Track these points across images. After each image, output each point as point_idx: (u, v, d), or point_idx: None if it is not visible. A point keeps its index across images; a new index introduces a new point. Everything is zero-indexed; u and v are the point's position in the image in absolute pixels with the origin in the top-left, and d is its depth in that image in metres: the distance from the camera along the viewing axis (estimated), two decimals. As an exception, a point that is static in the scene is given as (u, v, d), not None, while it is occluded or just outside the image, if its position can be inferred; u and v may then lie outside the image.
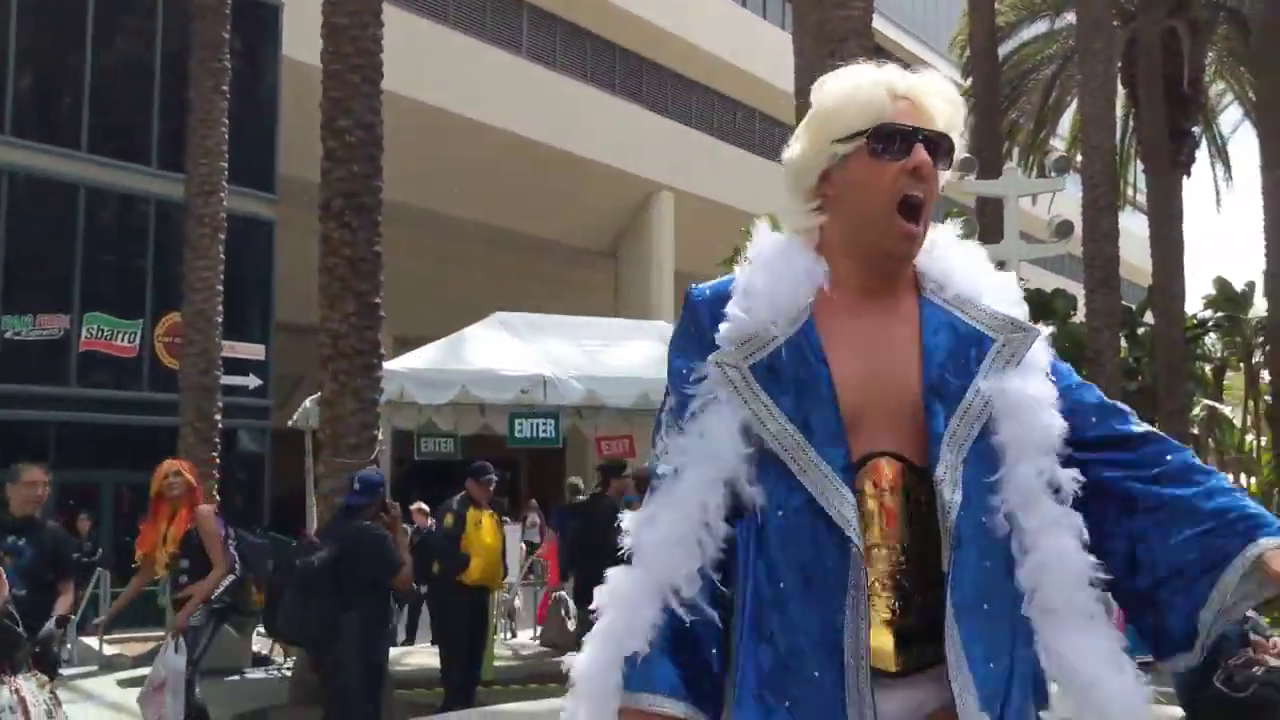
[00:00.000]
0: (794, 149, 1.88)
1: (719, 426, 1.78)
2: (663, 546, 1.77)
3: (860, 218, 1.82)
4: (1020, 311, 1.86)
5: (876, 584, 1.74)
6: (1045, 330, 1.88)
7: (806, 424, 1.74)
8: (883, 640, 1.73)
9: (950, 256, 1.90)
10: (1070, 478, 1.80)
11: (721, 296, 1.86)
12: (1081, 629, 1.75)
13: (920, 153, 1.77)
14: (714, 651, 1.77)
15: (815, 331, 1.80)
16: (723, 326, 1.81)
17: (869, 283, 1.85)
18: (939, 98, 1.82)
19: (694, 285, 1.93)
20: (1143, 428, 1.89)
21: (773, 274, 1.84)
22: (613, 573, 1.82)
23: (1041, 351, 1.86)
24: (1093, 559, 1.77)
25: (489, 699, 8.97)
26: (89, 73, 17.74)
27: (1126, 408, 1.92)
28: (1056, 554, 1.76)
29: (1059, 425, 1.81)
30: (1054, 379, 1.87)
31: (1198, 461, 1.88)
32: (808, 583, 1.71)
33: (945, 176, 1.86)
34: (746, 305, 1.81)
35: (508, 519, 12.51)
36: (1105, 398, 1.92)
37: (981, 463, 1.76)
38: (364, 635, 6.57)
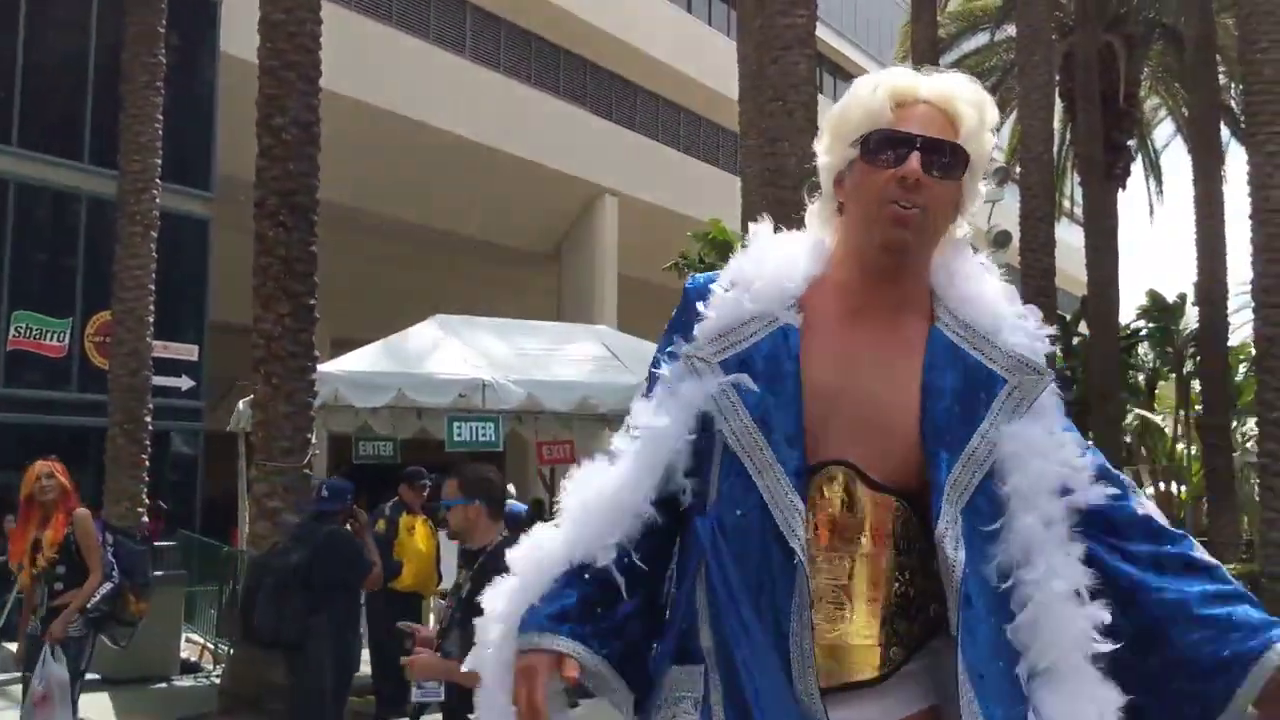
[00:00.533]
0: (819, 149, 1.84)
1: (672, 413, 1.73)
2: (587, 514, 1.72)
3: (856, 223, 1.76)
4: (1039, 350, 1.76)
5: (821, 597, 1.68)
6: (1056, 383, 1.80)
7: (766, 423, 1.68)
8: (839, 648, 1.68)
9: (970, 283, 1.80)
10: (1076, 530, 1.72)
11: (710, 286, 1.81)
12: (1072, 693, 1.65)
13: (912, 162, 1.69)
14: (624, 619, 1.71)
15: (798, 333, 1.73)
16: (699, 320, 1.76)
17: (871, 296, 1.76)
18: (963, 103, 1.74)
19: (693, 276, 1.89)
20: (1144, 509, 1.80)
21: (761, 267, 1.78)
22: (534, 531, 1.78)
23: (1052, 396, 1.78)
24: (1096, 618, 1.67)
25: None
26: (20, 64, 17.30)
27: (1127, 480, 1.84)
28: (1054, 611, 1.66)
29: (1066, 474, 1.73)
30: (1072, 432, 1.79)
31: (1198, 556, 1.77)
32: (760, 586, 1.65)
33: (981, 187, 1.79)
34: (727, 297, 1.76)
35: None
36: (1108, 465, 1.82)
37: (981, 511, 1.68)
38: (336, 636, 6.72)
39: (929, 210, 1.71)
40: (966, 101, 1.75)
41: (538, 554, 1.74)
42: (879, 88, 1.74)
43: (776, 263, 1.78)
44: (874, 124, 1.73)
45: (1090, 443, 1.82)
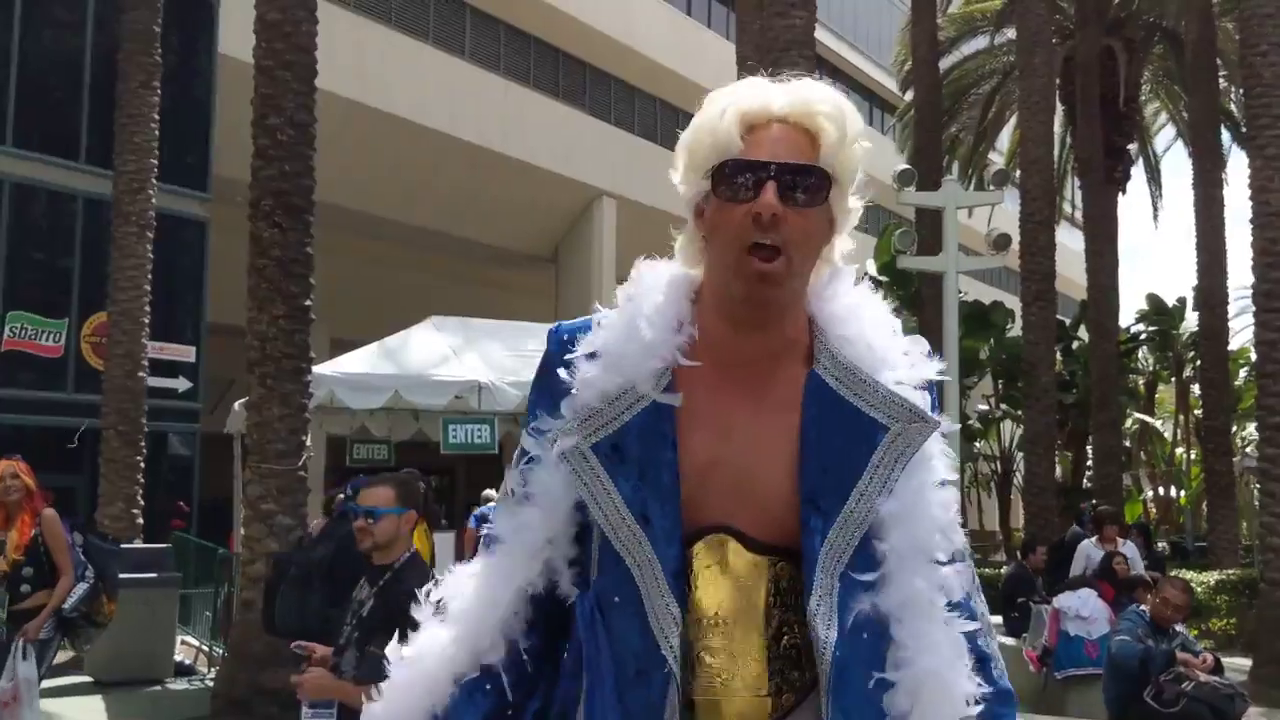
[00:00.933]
0: (675, 179, 1.64)
1: (549, 499, 1.61)
2: (471, 615, 1.63)
3: (717, 267, 1.58)
4: (923, 394, 1.59)
5: (711, 654, 1.56)
6: (945, 420, 1.59)
7: (645, 516, 1.54)
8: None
9: (851, 318, 1.61)
10: (960, 586, 1.61)
11: (575, 342, 1.64)
12: None
13: (766, 194, 1.50)
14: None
15: (672, 409, 1.57)
16: (565, 396, 1.61)
17: (741, 347, 1.60)
18: (822, 116, 1.54)
19: (559, 323, 1.72)
20: (991, 650, 1.66)
21: (628, 334, 1.59)
22: (424, 630, 1.67)
23: (937, 444, 1.60)
24: (977, 680, 1.56)
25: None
26: (15, 63, 17.26)
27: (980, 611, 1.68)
28: (933, 675, 1.54)
29: (948, 526, 1.59)
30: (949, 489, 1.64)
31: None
32: (635, 677, 1.54)
33: (853, 202, 1.60)
34: (590, 377, 1.58)
35: (444, 523, 12.32)
36: (971, 590, 1.67)
37: (860, 572, 1.54)
38: None
39: (793, 248, 1.52)
40: (825, 114, 1.55)
41: (422, 665, 1.65)
42: (726, 110, 1.55)
43: (646, 322, 1.59)
44: (723, 153, 1.54)
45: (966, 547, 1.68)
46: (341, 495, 7.38)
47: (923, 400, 1.58)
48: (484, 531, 1.69)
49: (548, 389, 1.64)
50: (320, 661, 3.87)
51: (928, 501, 1.57)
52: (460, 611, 1.64)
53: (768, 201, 1.49)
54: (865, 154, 1.59)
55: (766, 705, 1.55)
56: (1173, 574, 13.97)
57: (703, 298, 1.62)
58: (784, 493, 1.55)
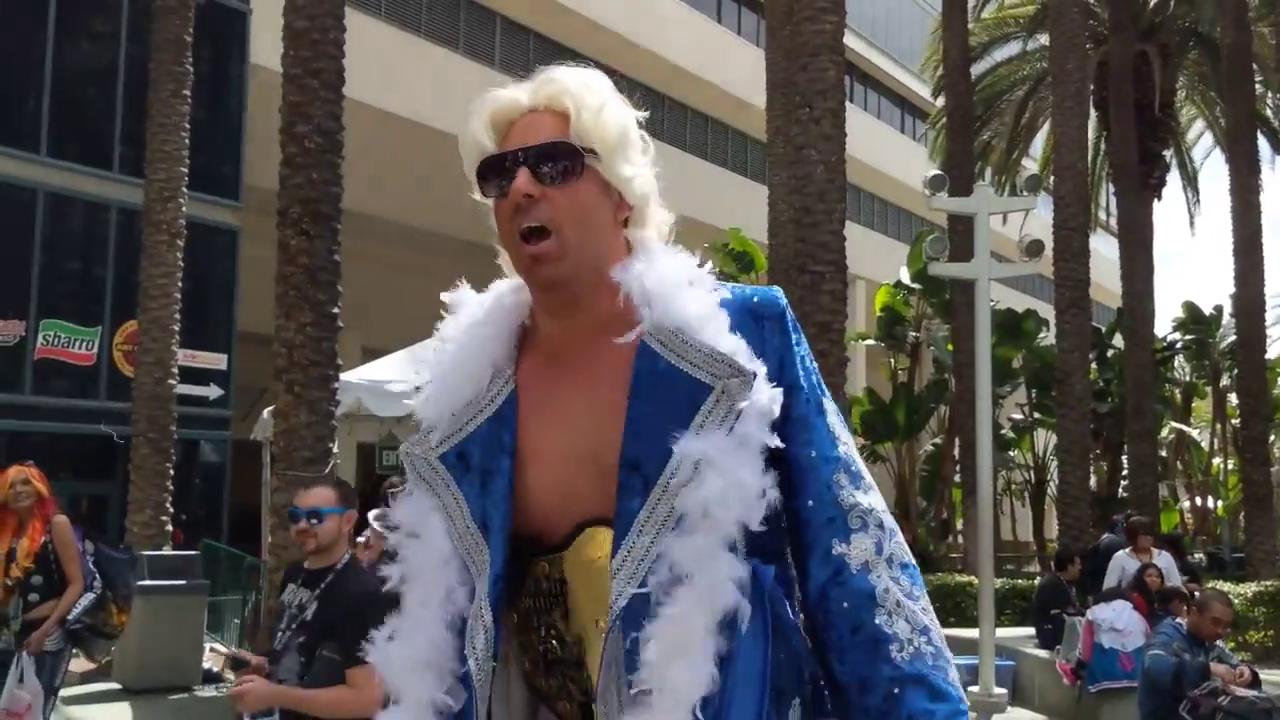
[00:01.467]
0: (477, 196, 1.67)
1: (430, 530, 1.60)
2: (413, 669, 1.58)
3: (512, 262, 1.63)
4: (739, 342, 1.51)
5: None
6: (762, 370, 1.50)
7: (485, 524, 1.56)
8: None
9: (667, 282, 1.56)
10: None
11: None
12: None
13: (517, 181, 1.53)
14: None
15: (515, 408, 1.58)
16: (422, 415, 1.64)
17: (564, 334, 1.61)
18: (565, 94, 1.57)
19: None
20: (852, 563, 1.52)
21: (458, 349, 1.64)
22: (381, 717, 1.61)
23: (765, 394, 1.50)
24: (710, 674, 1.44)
25: None
26: (50, 74, 17.43)
27: (865, 518, 1.55)
28: (675, 652, 1.43)
29: (752, 488, 1.47)
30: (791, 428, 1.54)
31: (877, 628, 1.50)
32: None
33: (625, 171, 1.56)
34: (431, 392, 1.62)
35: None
36: (854, 465, 1.57)
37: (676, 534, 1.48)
38: None
39: (560, 224, 1.53)
40: (567, 91, 1.57)
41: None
42: (477, 114, 1.59)
43: (479, 337, 1.64)
44: (480, 154, 1.59)
45: (828, 414, 1.58)
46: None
47: (744, 350, 1.50)
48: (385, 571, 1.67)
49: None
50: (256, 669, 3.80)
51: (734, 465, 1.46)
52: (400, 672, 1.61)
53: (516, 186, 1.53)
54: (622, 120, 1.58)
55: None
56: (1210, 585, 13.78)
57: (532, 298, 1.65)
58: (613, 465, 1.51)
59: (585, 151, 1.55)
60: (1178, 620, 6.56)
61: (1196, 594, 7.83)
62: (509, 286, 1.70)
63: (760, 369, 1.51)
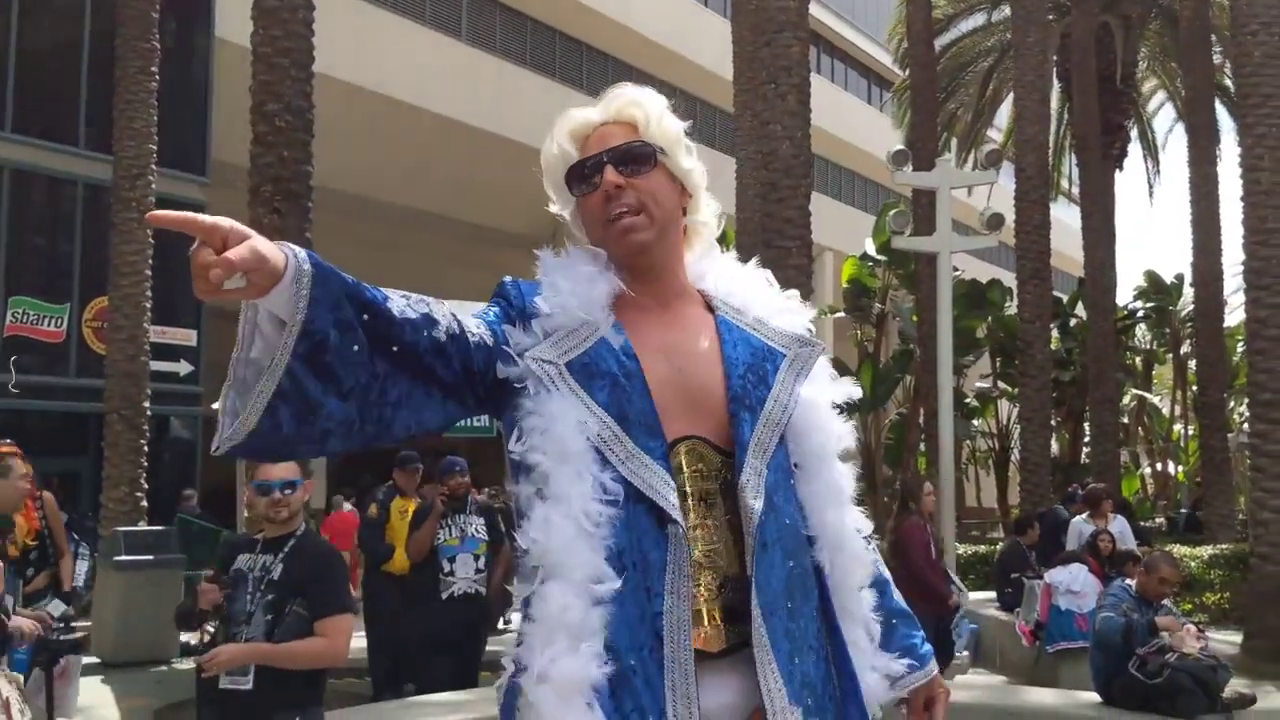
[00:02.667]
0: (554, 210, 2.04)
1: (560, 422, 1.79)
2: (568, 548, 1.73)
3: (600, 245, 1.93)
4: (803, 329, 2.01)
5: (699, 563, 1.79)
6: (827, 352, 2.01)
7: (624, 416, 1.80)
8: (705, 620, 1.78)
9: (734, 279, 2.04)
10: (852, 480, 2.01)
11: (534, 288, 1.92)
12: (855, 629, 1.96)
13: (607, 175, 1.88)
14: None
15: (624, 333, 1.87)
16: (534, 319, 1.85)
17: (652, 293, 1.94)
18: (631, 106, 1.95)
19: (512, 279, 1.98)
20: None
21: (574, 277, 1.90)
22: (539, 590, 1.75)
23: (825, 367, 2.01)
24: (874, 558, 2.03)
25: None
26: (14, 49, 17.31)
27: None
28: (854, 555, 1.96)
29: (847, 431, 2.01)
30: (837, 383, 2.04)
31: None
32: (625, 571, 1.72)
33: (689, 164, 1.97)
34: (558, 301, 1.86)
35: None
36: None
37: (784, 467, 1.88)
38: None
39: (644, 204, 1.89)
40: (632, 103, 1.96)
41: (550, 611, 1.76)
42: (556, 138, 1.96)
43: (585, 276, 1.90)
44: (566, 164, 1.94)
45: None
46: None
47: (806, 332, 2.00)
48: (528, 469, 1.83)
49: (511, 307, 1.89)
50: (208, 591, 3.98)
51: (827, 413, 1.98)
52: (557, 553, 1.77)
53: (609, 179, 1.89)
54: (677, 126, 1.99)
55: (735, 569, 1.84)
56: (1165, 548, 14.13)
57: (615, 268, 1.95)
58: (719, 399, 1.87)
59: (656, 149, 1.93)
60: (1127, 581, 6.82)
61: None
62: (593, 250, 1.95)
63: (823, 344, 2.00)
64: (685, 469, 1.83)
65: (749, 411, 1.85)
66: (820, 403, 1.96)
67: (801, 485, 1.91)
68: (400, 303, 1.72)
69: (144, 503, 13.14)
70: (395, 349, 1.67)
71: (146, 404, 13.27)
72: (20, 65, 17.37)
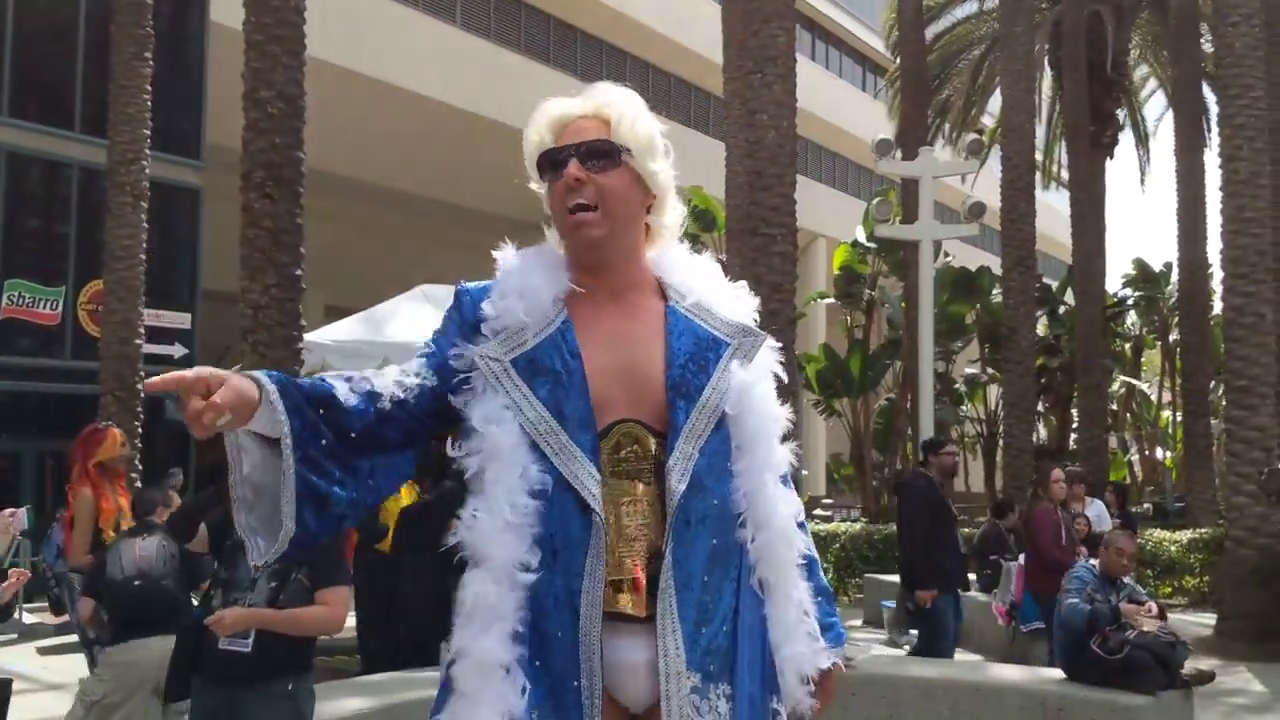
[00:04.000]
0: (535, 187, 2.17)
1: (495, 422, 1.96)
2: (494, 539, 1.92)
3: (559, 232, 2.10)
4: (749, 319, 2.13)
5: (633, 535, 1.97)
6: (770, 339, 2.13)
7: (560, 412, 1.96)
8: (631, 588, 1.95)
9: (687, 271, 2.16)
10: (789, 461, 2.14)
11: (485, 293, 2.09)
12: (782, 601, 2.08)
13: (570, 167, 2.01)
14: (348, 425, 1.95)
15: (571, 330, 2.02)
16: (483, 323, 2.03)
17: (605, 285, 2.08)
18: (608, 106, 2.06)
19: (463, 284, 2.15)
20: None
21: (524, 278, 2.06)
22: (466, 579, 1.95)
23: (769, 355, 2.14)
24: (803, 538, 2.14)
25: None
26: (10, 33, 17.38)
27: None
28: (780, 533, 2.07)
29: (784, 413, 2.12)
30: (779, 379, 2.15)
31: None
32: (555, 555, 1.93)
33: (656, 167, 2.07)
34: (504, 305, 2.03)
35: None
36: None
37: (719, 451, 2.01)
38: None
39: (603, 201, 2.01)
40: (609, 102, 2.07)
41: (479, 597, 1.95)
42: (536, 122, 2.09)
43: (535, 277, 2.06)
44: (539, 149, 2.08)
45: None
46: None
47: (753, 324, 2.13)
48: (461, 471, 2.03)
49: (455, 322, 2.09)
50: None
51: (765, 397, 2.09)
52: (484, 544, 1.96)
53: (569, 171, 2.01)
54: (651, 129, 2.08)
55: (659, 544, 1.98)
56: (1148, 532, 14.31)
57: (570, 261, 2.11)
58: (658, 387, 2.01)
59: (622, 149, 2.04)
60: (1091, 562, 7.01)
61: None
62: (549, 248, 2.15)
63: (768, 337, 2.13)
64: (621, 449, 1.99)
65: (685, 399, 1.99)
66: (758, 388, 2.07)
67: (736, 465, 2.03)
68: (344, 388, 1.94)
69: (138, 484, 13.29)
70: (352, 435, 1.92)
71: (140, 386, 13.41)
72: (16, 49, 17.44)
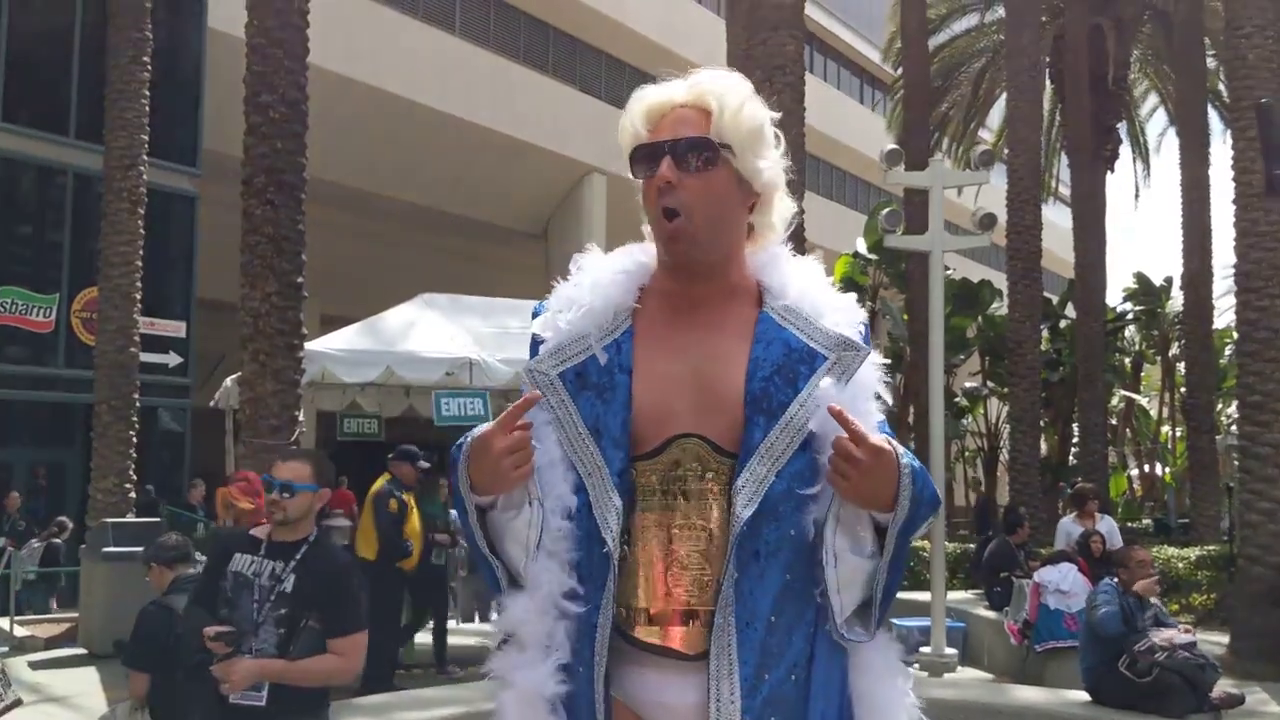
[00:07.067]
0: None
1: (539, 436, 1.83)
2: (543, 564, 1.82)
3: (652, 228, 1.88)
4: (856, 332, 1.87)
5: (685, 564, 1.79)
6: (876, 355, 1.88)
7: (598, 429, 1.81)
8: (684, 620, 1.78)
9: (793, 276, 1.91)
10: None
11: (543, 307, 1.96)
12: (871, 645, 1.83)
13: (661, 168, 1.79)
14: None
15: (631, 340, 1.86)
16: (544, 336, 1.90)
17: (688, 290, 1.88)
18: (710, 94, 1.83)
19: (540, 303, 1.99)
20: None
21: (592, 286, 1.90)
22: (509, 603, 1.85)
23: (872, 372, 1.87)
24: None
25: (410, 684, 8.91)
26: (4, 37, 17.21)
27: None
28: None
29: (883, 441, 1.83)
30: (882, 401, 1.88)
31: None
32: (581, 581, 1.79)
33: (761, 164, 1.84)
34: (563, 317, 1.89)
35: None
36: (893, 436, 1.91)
37: (801, 475, 1.77)
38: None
39: (694, 208, 1.79)
40: (713, 91, 1.83)
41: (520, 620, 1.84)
42: (631, 110, 1.87)
43: (605, 283, 1.89)
44: (634, 142, 1.86)
45: (884, 420, 1.91)
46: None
47: (857, 337, 1.86)
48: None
49: (531, 341, 1.96)
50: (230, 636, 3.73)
51: (863, 420, 1.77)
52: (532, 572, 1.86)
53: (661, 173, 1.80)
54: (757, 119, 1.85)
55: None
56: (1154, 549, 14.15)
57: (658, 262, 1.92)
58: (735, 400, 1.80)
59: (721, 147, 1.81)
60: (1115, 581, 6.84)
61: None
62: (639, 248, 1.96)
63: (873, 351, 1.86)
64: (679, 466, 1.81)
65: (765, 415, 1.77)
66: (853, 409, 1.78)
67: (818, 495, 1.79)
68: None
69: (132, 494, 13.10)
70: None
71: (135, 395, 13.22)
72: (11, 53, 17.28)
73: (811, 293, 1.89)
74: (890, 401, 1.91)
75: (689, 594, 1.77)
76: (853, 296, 1.95)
